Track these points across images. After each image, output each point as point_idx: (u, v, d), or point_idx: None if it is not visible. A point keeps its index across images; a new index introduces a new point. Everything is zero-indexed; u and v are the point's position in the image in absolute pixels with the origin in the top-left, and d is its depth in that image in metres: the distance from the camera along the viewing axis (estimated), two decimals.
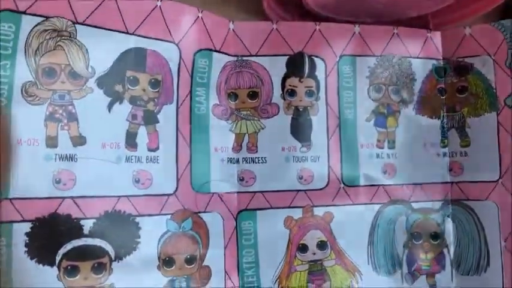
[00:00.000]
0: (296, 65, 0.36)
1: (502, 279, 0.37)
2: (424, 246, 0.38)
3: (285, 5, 0.38)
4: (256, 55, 0.36)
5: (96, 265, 0.28)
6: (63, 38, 0.28)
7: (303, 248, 0.36)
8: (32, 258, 0.27)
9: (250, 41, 0.36)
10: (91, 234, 0.28)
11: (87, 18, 0.29)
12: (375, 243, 0.37)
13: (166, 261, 0.31)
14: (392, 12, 0.38)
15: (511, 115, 0.37)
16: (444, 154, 0.40)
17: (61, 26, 0.28)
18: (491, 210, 0.38)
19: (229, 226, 0.34)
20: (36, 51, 0.27)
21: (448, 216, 0.39)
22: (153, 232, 0.31)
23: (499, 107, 0.38)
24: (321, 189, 0.36)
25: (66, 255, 0.28)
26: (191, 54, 0.33)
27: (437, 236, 0.39)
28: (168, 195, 0.32)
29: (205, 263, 0.33)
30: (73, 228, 0.28)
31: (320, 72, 0.37)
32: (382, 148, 0.38)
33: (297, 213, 0.36)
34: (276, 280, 0.35)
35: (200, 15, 0.33)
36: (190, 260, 0.32)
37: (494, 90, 0.38)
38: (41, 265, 0.27)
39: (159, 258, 0.31)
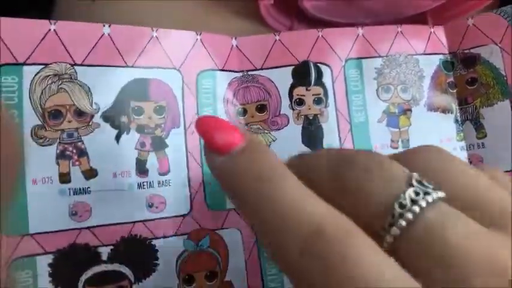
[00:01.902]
0: (302, 74, 0.36)
1: None
2: None
3: (284, 11, 0.38)
4: (261, 68, 0.36)
5: None
6: (64, 80, 0.30)
7: None
8: (56, 287, 0.29)
9: (254, 55, 0.36)
10: (109, 260, 0.30)
11: (85, 59, 0.30)
12: None
13: (186, 280, 0.32)
14: (390, 11, 0.37)
15: None
16: (462, 148, 0.39)
17: (61, 70, 0.30)
18: None
19: (249, 240, 0.35)
20: (40, 96, 0.29)
21: None
22: (170, 253, 0.32)
23: (511, 94, 0.36)
24: None
25: (88, 282, 0.29)
26: (194, 77, 0.34)
27: None
28: (183, 215, 0.33)
29: (226, 278, 0.34)
30: (92, 256, 0.30)
31: (327, 79, 0.37)
32: (397, 148, 0.37)
33: None
34: None
35: (199, 37, 0.34)
36: (210, 277, 0.33)
37: (505, 78, 0.37)
38: None
39: (178, 277, 0.32)
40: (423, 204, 0.17)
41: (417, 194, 0.18)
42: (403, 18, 0.39)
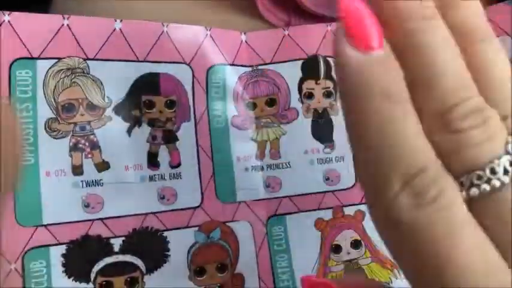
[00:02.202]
0: (311, 68, 0.37)
1: None
2: None
3: (281, 5, 0.38)
4: (271, 63, 0.37)
5: (129, 279, 0.31)
6: (77, 75, 0.31)
7: (337, 249, 0.36)
8: (69, 277, 0.29)
9: (263, 50, 0.37)
10: (121, 251, 0.31)
11: (97, 53, 0.31)
12: None
13: (197, 271, 0.33)
14: None
15: None
16: None
17: (73, 64, 0.30)
18: None
19: (260, 233, 0.35)
20: (53, 90, 0.30)
21: None
22: (181, 244, 0.32)
23: None
24: (349, 188, 0.36)
25: (100, 272, 0.30)
26: (204, 72, 0.35)
27: None
28: (194, 208, 0.33)
29: (237, 270, 0.34)
30: (104, 247, 0.30)
31: None
32: None
33: (327, 215, 0.36)
34: None
35: (208, 33, 0.35)
36: (221, 268, 0.33)
37: None
38: (77, 282, 0.30)
39: (189, 268, 0.32)
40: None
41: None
42: None
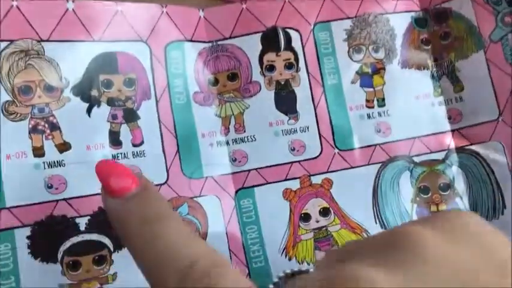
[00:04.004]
0: (271, 40, 0.37)
1: None
2: (434, 199, 0.37)
3: None
4: (230, 37, 0.37)
5: (96, 258, 0.31)
6: (31, 56, 0.30)
7: (306, 217, 0.36)
8: (36, 258, 0.29)
9: (222, 25, 0.37)
10: (87, 231, 0.31)
11: (51, 34, 0.31)
12: (380, 203, 0.37)
13: None
14: None
15: (498, 49, 0.36)
16: (440, 103, 0.39)
17: (27, 46, 0.30)
18: (497, 149, 0.36)
19: (228, 206, 0.35)
20: (8, 73, 0.30)
21: (455, 165, 0.38)
22: None
23: (484, 44, 0.37)
24: (315, 157, 0.37)
25: (66, 252, 0.30)
26: (162, 49, 0.35)
27: (447, 186, 0.38)
28: (160, 185, 0.33)
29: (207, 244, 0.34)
30: (69, 227, 0.30)
31: (296, 43, 0.37)
32: (372, 108, 0.38)
33: (294, 185, 0.36)
34: (283, 251, 0.36)
35: (164, 10, 0.35)
36: None
37: (477, 29, 0.37)
38: (45, 263, 0.30)
39: None
40: None
41: None
42: None
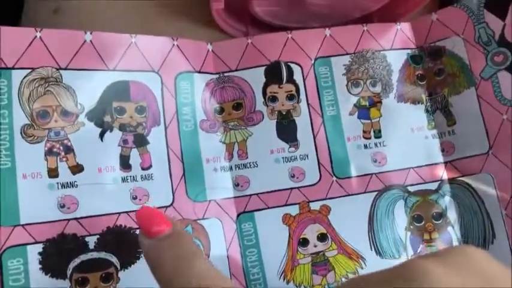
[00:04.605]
0: (274, 73, 0.39)
1: (509, 247, 0.37)
2: (427, 227, 0.39)
3: (237, 16, 0.41)
4: (236, 70, 0.39)
5: (103, 275, 0.32)
6: (50, 83, 0.33)
7: (304, 242, 0.38)
8: (46, 274, 0.31)
9: (229, 58, 0.39)
10: (96, 249, 0.32)
11: (69, 63, 0.33)
12: (375, 230, 0.38)
13: None
14: (337, 15, 0.40)
15: (489, 87, 0.38)
16: (433, 136, 0.41)
17: (47, 74, 0.33)
18: (487, 181, 0.38)
19: (230, 229, 0.37)
20: (28, 98, 0.32)
21: (447, 195, 0.40)
22: None
23: (476, 81, 0.39)
24: (314, 184, 0.38)
25: (75, 269, 0.32)
26: (172, 79, 0.37)
27: (439, 216, 0.39)
28: (166, 207, 0.35)
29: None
30: (79, 245, 0.32)
31: (298, 76, 0.39)
32: (369, 139, 0.40)
33: (294, 210, 0.38)
34: (281, 275, 0.37)
35: (175, 42, 0.37)
36: None
37: (469, 67, 0.39)
38: (54, 279, 0.31)
39: None
40: None
41: None
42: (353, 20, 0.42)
